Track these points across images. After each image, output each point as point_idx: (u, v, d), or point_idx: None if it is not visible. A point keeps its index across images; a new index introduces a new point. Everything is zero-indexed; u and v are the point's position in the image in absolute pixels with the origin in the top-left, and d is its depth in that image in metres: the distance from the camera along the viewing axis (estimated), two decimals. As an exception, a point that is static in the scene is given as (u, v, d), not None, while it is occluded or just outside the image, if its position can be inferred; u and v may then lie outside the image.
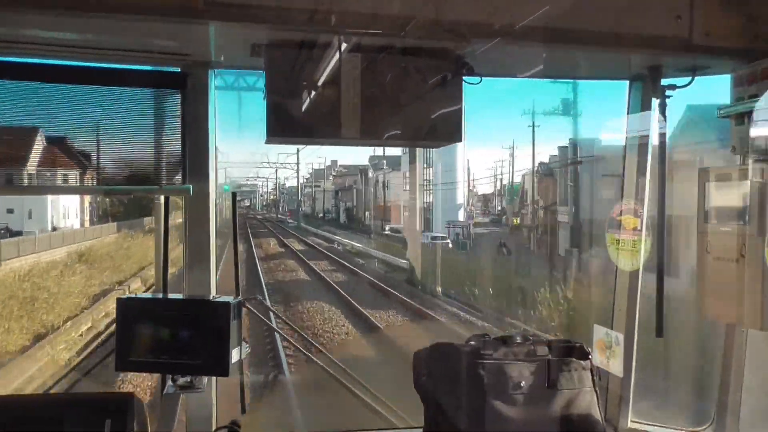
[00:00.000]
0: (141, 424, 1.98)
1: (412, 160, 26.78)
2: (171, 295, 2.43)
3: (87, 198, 27.70)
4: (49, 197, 24.25)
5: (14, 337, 13.22)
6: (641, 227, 2.67)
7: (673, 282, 2.78)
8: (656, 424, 2.84)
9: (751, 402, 2.52)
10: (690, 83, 2.55)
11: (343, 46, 2.21)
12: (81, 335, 13.95)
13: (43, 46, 2.29)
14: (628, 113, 2.74)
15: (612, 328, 2.78)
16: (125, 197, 25.31)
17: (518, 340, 2.07)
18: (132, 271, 21.40)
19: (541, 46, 2.28)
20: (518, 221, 33.87)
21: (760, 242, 2.25)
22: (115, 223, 30.06)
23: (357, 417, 2.86)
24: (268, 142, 2.37)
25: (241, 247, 27.30)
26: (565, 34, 2.21)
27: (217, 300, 2.25)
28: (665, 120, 2.60)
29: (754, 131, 2.35)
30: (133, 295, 2.40)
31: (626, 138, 2.79)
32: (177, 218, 3.06)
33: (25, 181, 2.44)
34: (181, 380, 2.28)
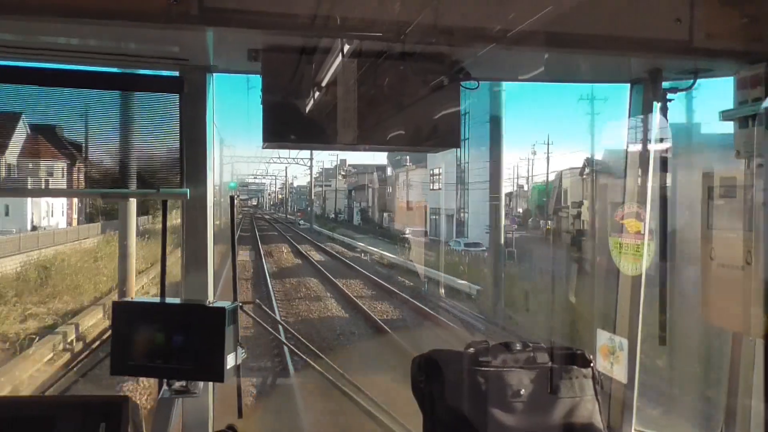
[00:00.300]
0: (136, 428, 1.97)
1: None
2: (167, 300, 2.43)
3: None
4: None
5: None
6: (644, 232, 2.63)
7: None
8: None
9: (760, 409, 2.47)
10: (692, 86, 2.53)
11: (340, 50, 2.21)
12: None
13: (44, 50, 2.32)
14: (629, 116, 2.71)
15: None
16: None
17: (518, 346, 2.04)
18: (97, 292, 15.10)
19: (540, 50, 2.27)
20: (551, 226, 28.86)
21: (766, 249, 2.21)
22: (99, 224, 25.96)
23: (355, 423, 2.83)
24: (264, 146, 2.38)
25: (247, 256, 25.62)
26: (565, 38, 2.19)
27: (212, 305, 2.25)
28: (667, 123, 2.57)
29: (759, 134, 2.32)
30: (129, 299, 2.40)
31: (627, 142, 2.76)
32: (173, 219, 3.05)
33: (23, 184, 2.45)
34: (177, 384, 2.28)
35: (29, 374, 9.70)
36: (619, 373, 2.67)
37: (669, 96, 2.53)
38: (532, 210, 36.28)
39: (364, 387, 2.69)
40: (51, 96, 2.35)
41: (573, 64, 2.58)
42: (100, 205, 26.95)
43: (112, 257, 16.87)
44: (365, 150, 2.42)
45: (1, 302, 13.02)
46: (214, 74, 2.53)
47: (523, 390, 1.96)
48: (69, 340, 11.45)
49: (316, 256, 26.89)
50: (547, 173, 35.33)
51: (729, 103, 2.46)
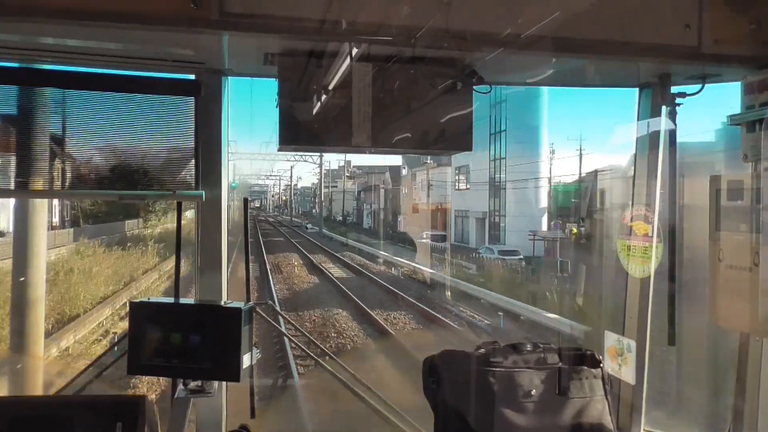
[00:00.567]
0: (152, 428, 2.00)
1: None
2: (182, 300, 2.47)
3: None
4: None
5: None
6: (653, 234, 2.66)
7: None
8: None
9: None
10: (700, 91, 2.56)
11: (354, 54, 2.24)
12: None
13: (63, 53, 2.35)
14: (638, 120, 2.74)
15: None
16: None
17: (528, 347, 2.06)
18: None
19: (548, 55, 2.30)
20: (577, 230, 25.32)
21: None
22: (71, 230, 20.82)
23: (366, 423, 2.86)
24: (280, 149, 2.41)
25: (251, 271, 23.32)
26: (573, 43, 2.22)
27: (228, 305, 2.28)
28: (675, 128, 2.60)
29: (765, 138, 2.34)
30: (146, 299, 2.43)
31: (636, 146, 2.79)
32: (167, 223, 3.08)
33: (39, 186, 2.48)
34: (192, 384, 2.29)
35: None
36: (627, 373, 2.69)
37: (677, 101, 2.56)
38: (553, 213, 31.22)
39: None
40: (70, 98, 2.39)
41: (582, 68, 2.61)
42: (86, 207, 23.47)
43: (83, 274, 13.57)
44: (379, 153, 2.45)
45: None
46: (229, 78, 2.57)
47: (534, 390, 1.97)
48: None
49: (335, 271, 22.28)
50: (580, 173, 30.40)
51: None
